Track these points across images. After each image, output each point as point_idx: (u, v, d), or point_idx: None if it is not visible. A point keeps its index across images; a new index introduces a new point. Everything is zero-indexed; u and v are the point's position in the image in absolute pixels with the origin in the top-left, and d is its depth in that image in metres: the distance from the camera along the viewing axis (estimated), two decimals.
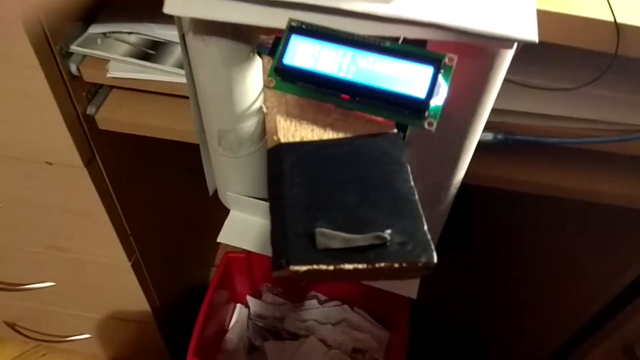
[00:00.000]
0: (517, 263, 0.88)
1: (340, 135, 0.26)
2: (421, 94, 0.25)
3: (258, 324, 0.94)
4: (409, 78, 0.26)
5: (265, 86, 0.27)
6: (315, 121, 0.26)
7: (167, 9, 0.29)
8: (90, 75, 0.51)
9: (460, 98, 0.34)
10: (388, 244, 0.21)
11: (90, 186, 0.59)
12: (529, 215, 0.85)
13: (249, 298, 0.95)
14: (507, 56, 0.31)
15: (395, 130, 0.26)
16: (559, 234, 0.76)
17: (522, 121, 0.47)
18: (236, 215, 0.52)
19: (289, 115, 0.27)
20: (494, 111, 0.36)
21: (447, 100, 0.26)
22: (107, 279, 0.76)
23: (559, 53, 0.44)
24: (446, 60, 0.26)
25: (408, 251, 0.21)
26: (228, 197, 0.51)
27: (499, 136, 0.44)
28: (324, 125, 0.26)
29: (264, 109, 0.28)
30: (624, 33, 0.38)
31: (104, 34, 0.51)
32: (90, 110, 0.54)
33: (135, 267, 0.74)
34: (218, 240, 0.50)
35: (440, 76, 0.26)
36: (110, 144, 0.59)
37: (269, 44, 0.29)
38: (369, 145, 0.25)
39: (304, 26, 0.27)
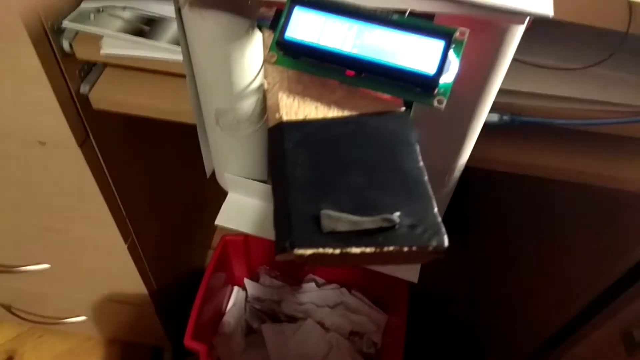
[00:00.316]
0: (515, 245, 0.87)
1: (346, 113, 0.25)
2: (431, 70, 0.24)
3: (255, 306, 0.94)
4: (418, 53, 0.24)
5: (266, 61, 0.26)
6: (319, 98, 0.25)
7: None
8: (83, 52, 0.49)
9: (467, 76, 0.32)
10: (397, 226, 0.20)
11: (84, 166, 0.58)
12: (527, 198, 0.84)
13: (246, 281, 0.94)
14: (518, 32, 0.29)
15: (404, 109, 0.25)
16: (558, 216, 0.75)
17: (528, 102, 0.45)
18: (234, 197, 0.51)
19: (291, 92, 0.25)
20: (500, 91, 0.35)
21: (457, 78, 0.25)
22: (103, 260, 0.75)
23: (568, 31, 0.43)
24: (457, 34, 0.25)
25: (418, 234, 0.20)
26: (226, 178, 0.50)
27: (505, 117, 0.43)
28: (329, 103, 0.25)
29: (265, 85, 0.26)
30: (637, 10, 0.37)
31: (97, 9, 0.50)
32: (84, 88, 0.53)
33: (132, 249, 0.73)
34: (216, 223, 0.49)
35: (451, 51, 0.24)
36: (104, 123, 0.57)
37: (270, 16, 0.28)
38: (376, 124, 0.24)
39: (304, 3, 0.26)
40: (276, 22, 0.27)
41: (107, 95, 0.53)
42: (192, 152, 0.52)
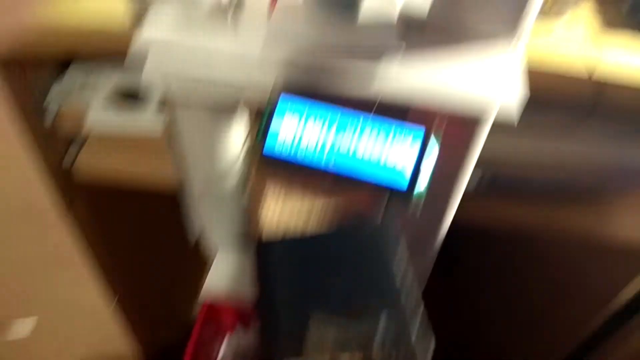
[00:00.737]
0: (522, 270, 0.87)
1: (329, 215, 0.25)
2: (406, 172, 0.25)
3: (248, 354, 0.92)
4: (393, 159, 0.25)
5: (247, 167, 0.26)
6: (301, 204, 0.26)
7: (148, 68, 0.28)
8: (67, 127, 0.49)
9: (444, 162, 0.33)
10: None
11: (68, 233, 0.58)
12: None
13: (237, 329, 0.93)
14: (489, 121, 0.31)
15: (385, 207, 0.26)
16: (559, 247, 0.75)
17: (509, 161, 0.46)
18: (220, 260, 0.51)
19: (273, 200, 0.26)
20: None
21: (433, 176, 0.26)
22: (89, 322, 0.74)
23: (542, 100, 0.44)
24: (432, 130, 0.26)
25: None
26: (214, 242, 0.49)
27: (485, 179, 0.44)
28: (310, 209, 0.26)
29: (246, 198, 0.27)
30: (602, 89, 0.38)
31: (82, 82, 0.50)
32: (67, 160, 0.53)
33: (118, 310, 0.72)
34: (202, 294, 0.49)
35: (426, 150, 0.25)
36: (88, 191, 0.57)
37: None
38: (359, 226, 0.25)
39: (290, 89, 0.27)
40: (262, 118, 0.27)
41: (90, 166, 0.53)
42: (178, 212, 0.52)
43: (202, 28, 0.29)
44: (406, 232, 0.41)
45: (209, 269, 0.50)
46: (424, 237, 0.41)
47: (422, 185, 0.25)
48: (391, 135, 0.26)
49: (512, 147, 0.45)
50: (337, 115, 0.26)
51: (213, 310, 0.85)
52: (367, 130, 0.26)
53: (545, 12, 0.40)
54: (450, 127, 0.29)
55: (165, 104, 0.33)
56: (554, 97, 0.39)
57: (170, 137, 0.37)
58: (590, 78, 0.36)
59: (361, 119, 0.25)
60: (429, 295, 0.49)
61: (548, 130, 0.44)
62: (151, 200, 0.74)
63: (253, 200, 0.26)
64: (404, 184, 0.24)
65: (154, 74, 0.28)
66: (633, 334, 0.61)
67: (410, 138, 0.25)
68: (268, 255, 0.23)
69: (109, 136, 0.50)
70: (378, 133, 0.26)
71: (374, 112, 0.25)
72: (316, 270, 0.22)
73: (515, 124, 0.26)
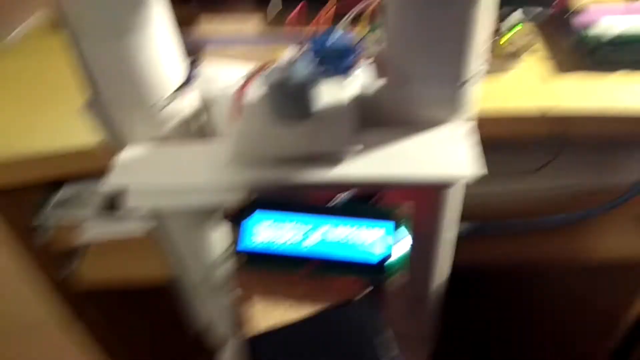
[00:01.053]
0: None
1: (315, 307, 0.26)
2: (375, 255, 0.26)
3: None
4: (367, 242, 0.26)
5: (234, 266, 0.27)
6: (287, 295, 0.27)
7: (130, 204, 0.30)
8: (63, 241, 0.51)
9: (425, 225, 0.34)
10: None
11: (75, 348, 0.58)
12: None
13: None
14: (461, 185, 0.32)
15: (368, 290, 0.27)
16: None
17: (494, 202, 0.47)
18: (223, 357, 0.51)
19: (259, 294, 0.27)
20: None
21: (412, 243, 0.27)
22: None
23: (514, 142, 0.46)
24: (400, 212, 0.27)
25: None
26: (215, 338, 0.50)
27: (471, 227, 0.45)
28: (297, 299, 0.26)
29: (236, 295, 0.28)
30: (569, 117, 0.39)
31: (76, 194, 0.52)
32: (66, 272, 0.54)
33: None
34: None
35: (398, 231, 0.26)
36: (92, 300, 0.58)
37: (235, 214, 0.30)
38: (344, 316, 0.25)
39: (262, 201, 0.28)
40: (239, 222, 0.28)
41: (90, 275, 0.54)
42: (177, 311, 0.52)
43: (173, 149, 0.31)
44: (402, 300, 0.42)
45: None
46: (421, 297, 0.41)
47: (394, 256, 0.26)
48: (362, 228, 0.27)
49: (489, 195, 0.46)
50: (308, 219, 0.27)
51: None
52: (339, 228, 0.27)
53: (493, 69, 0.42)
54: (421, 198, 0.30)
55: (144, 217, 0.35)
56: (519, 140, 0.41)
57: (154, 239, 0.38)
58: (544, 116, 0.38)
59: (331, 221, 0.27)
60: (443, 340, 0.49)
61: (522, 171, 0.46)
62: (156, 299, 0.75)
63: (242, 296, 0.27)
64: (374, 259, 0.25)
65: (132, 207, 0.30)
66: None
67: (382, 230, 0.26)
68: (257, 350, 0.24)
69: (106, 244, 0.51)
70: (350, 228, 0.27)
71: (342, 211, 0.27)
72: (311, 356, 0.23)
73: (482, 176, 0.27)
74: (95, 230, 0.50)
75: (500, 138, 0.40)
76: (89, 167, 0.41)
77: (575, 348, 0.68)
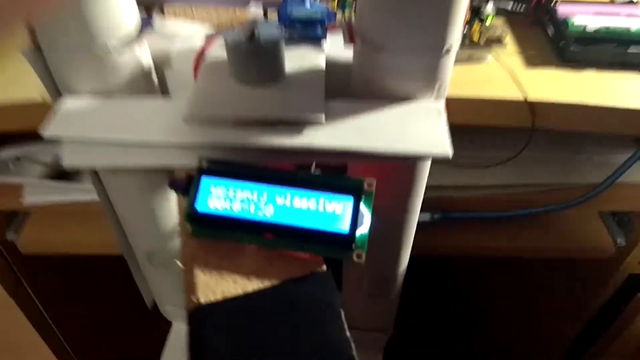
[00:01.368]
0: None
1: (266, 282, 0.24)
2: (344, 227, 0.24)
3: None
4: (329, 211, 0.25)
5: (181, 235, 0.25)
6: (237, 269, 0.25)
7: (66, 162, 0.27)
8: (4, 204, 0.47)
9: (390, 202, 0.33)
10: None
11: (20, 316, 0.54)
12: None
13: None
14: (428, 163, 0.31)
15: (324, 268, 0.25)
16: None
17: (459, 194, 0.47)
18: (178, 329, 0.49)
19: (208, 264, 0.25)
20: (428, 188, 0.36)
21: (374, 223, 0.25)
22: None
23: (483, 131, 0.45)
24: (365, 186, 0.25)
25: None
26: (168, 310, 0.48)
27: (436, 216, 0.44)
28: (247, 273, 0.25)
29: (179, 264, 0.26)
30: (538, 109, 0.39)
31: (16, 157, 0.48)
32: (10, 236, 0.51)
33: None
34: None
35: (361, 204, 0.25)
36: (39, 266, 0.55)
37: (182, 182, 0.27)
38: (298, 291, 0.24)
39: (214, 166, 0.26)
40: (188, 190, 0.26)
41: (35, 239, 0.51)
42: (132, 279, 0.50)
43: (122, 102, 0.28)
44: (364, 277, 0.41)
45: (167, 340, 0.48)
46: (385, 278, 0.40)
47: (363, 229, 0.24)
48: (326, 188, 0.25)
49: (456, 182, 0.46)
50: (264, 187, 0.25)
51: None
52: (301, 186, 0.25)
53: (463, 59, 0.41)
54: (387, 174, 0.29)
55: (92, 179, 0.32)
56: (487, 131, 0.40)
57: (104, 206, 0.35)
58: (525, 100, 0.37)
59: (290, 190, 0.25)
60: (400, 328, 0.49)
61: (487, 160, 0.45)
62: (103, 266, 0.72)
63: (188, 267, 0.25)
64: (344, 227, 0.24)
65: (72, 164, 0.27)
66: (611, 341, 0.61)
67: (347, 203, 0.25)
68: (203, 322, 0.22)
69: (51, 208, 0.48)
70: (312, 189, 0.25)
71: (302, 181, 0.25)
72: (253, 341, 0.21)
73: (450, 157, 0.26)
74: (39, 194, 0.47)
75: (468, 126, 0.39)
76: (33, 125, 0.37)
77: (532, 340, 0.69)
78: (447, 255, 0.49)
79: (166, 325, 0.49)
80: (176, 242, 0.39)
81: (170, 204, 0.36)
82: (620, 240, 0.53)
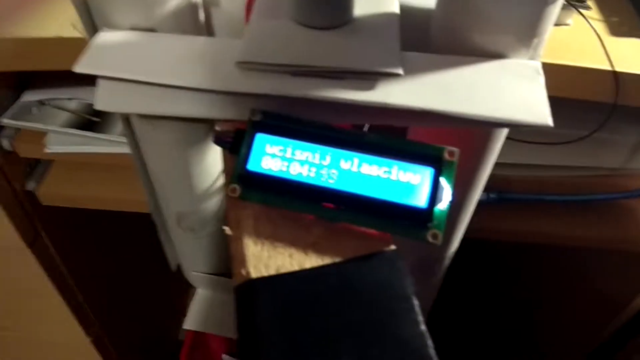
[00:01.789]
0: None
1: (326, 259, 0.21)
2: (421, 201, 0.21)
3: None
4: (404, 181, 0.21)
5: (228, 195, 0.22)
6: (293, 241, 0.21)
7: (99, 105, 0.24)
8: (26, 151, 0.44)
9: (463, 176, 0.29)
10: None
11: (36, 266, 0.52)
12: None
13: (224, 357, 0.88)
14: (505, 133, 0.27)
15: (394, 247, 0.21)
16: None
17: (517, 172, 0.43)
18: (202, 295, 0.46)
19: (259, 235, 0.21)
20: None
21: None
22: (66, 358, 0.69)
23: (556, 105, 0.41)
24: (446, 155, 0.21)
25: None
26: (193, 276, 0.45)
27: (492, 195, 0.40)
28: (305, 247, 0.21)
29: (227, 231, 0.22)
30: (623, 82, 0.34)
31: (40, 101, 0.45)
32: (30, 185, 0.48)
33: (97, 343, 0.66)
34: (184, 327, 0.44)
35: (441, 177, 0.21)
36: (57, 218, 0.52)
37: (230, 137, 0.24)
38: (364, 272, 0.20)
39: (270, 120, 0.22)
40: (236, 146, 0.23)
41: (56, 190, 0.48)
42: (155, 239, 0.47)
43: (165, 39, 0.25)
44: (408, 255, 0.38)
45: (190, 303, 0.45)
46: (434, 259, 0.37)
47: (442, 205, 0.21)
48: (401, 155, 0.21)
49: (516, 159, 0.41)
50: (328, 150, 0.21)
51: (200, 335, 0.80)
52: (372, 151, 0.21)
53: None
54: (464, 143, 0.25)
55: (127, 123, 0.28)
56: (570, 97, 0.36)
57: (135, 160, 0.32)
58: (613, 72, 0.33)
59: (358, 154, 0.21)
60: (439, 309, 0.46)
61: (553, 138, 0.40)
62: (126, 223, 0.69)
63: (236, 234, 0.21)
64: (421, 201, 0.20)
65: (106, 107, 0.23)
66: None
67: (425, 174, 0.21)
68: (254, 298, 0.18)
69: (75, 158, 0.45)
70: (385, 154, 0.21)
71: (371, 145, 0.21)
72: (313, 332, 0.18)
73: (551, 126, 0.22)
74: (63, 143, 0.44)
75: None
76: (63, 65, 0.34)
77: (572, 330, 0.65)
78: (499, 239, 0.46)
79: (187, 288, 0.47)
80: (209, 205, 0.36)
81: (208, 162, 0.33)
82: None
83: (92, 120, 0.44)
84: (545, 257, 0.61)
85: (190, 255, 0.43)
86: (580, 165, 0.42)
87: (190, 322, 0.45)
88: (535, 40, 0.23)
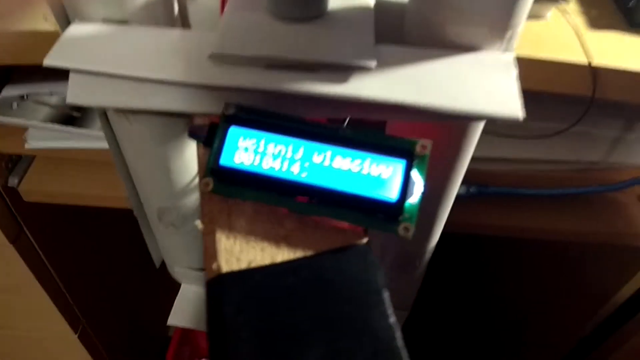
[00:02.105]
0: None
1: (298, 253, 0.21)
2: (392, 195, 0.21)
3: None
4: (376, 175, 0.21)
5: (201, 190, 0.22)
6: (265, 235, 0.21)
7: (71, 99, 0.24)
8: (6, 146, 0.44)
9: (430, 170, 0.29)
10: None
11: (20, 262, 0.52)
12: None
13: None
14: (481, 126, 0.27)
15: (366, 239, 0.22)
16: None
17: (497, 166, 0.43)
18: (187, 291, 0.46)
19: (231, 229, 0.21)
20: None
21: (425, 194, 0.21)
22: (54, 354, 0.68)
23: (532, 100, 0.41)
24: (418, 148, 0.21)
25: None
26: (177, 272, 0.45)
27: (472, 189, 0.40)
28: (277, 240, 0.21)
29: (199, 225, 0.22)
30: (600, 76, 0.35)
31: (21, 96, 0.45)
32: (12, 181, 0.47)
33: (83, 339, 0.66)
34: (168, 323, 0.44)
35: (413, 170, 0.21)
36: (41, 214, 0.52)
37: (204, 131, 0.24)
38: (335, 266, 0.20)
39: (243, 114, 0.22)
40: (210, 140, 0.23)
41: (39, 186, 0.48)
42: (141, 235, 0.47)
43: (138, 31, 0.24)
44: (388, 250, 0.38)
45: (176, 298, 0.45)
46: (415, 253, 0.37)
47: (413, 200, 0.21)
48: (373, 148, 0.21)
49: (496, 154, 0.42)
50: (300, 142, 0.21)
51: (188, 332, 0.80)
52: (344, 144, 0.21)
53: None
54: (437, 136, 0.25)
55: (104, 118, 0.28)
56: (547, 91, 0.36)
57: (113, 155, 0.32)
58: (590, 66, 0.33)
59: (331, 147, 0.21)
60: (421, 302, 0.46)
61: (532, 132, 0.41)
62: (111, 219, 0.69)
63: (208, 229, 0.21)
64: (393, 194, 0.20)
65: (77, 101, 0.23)
66: (634, 333, 0.58)
67: (397, 167, 0.21)
68: (223, 293, 0.18)
69: (56, 154, 0.44)
70: (357, 148, 0.21)
71: (344, 138, 0.21)
72: (283, 326, 0.18)
73: (520, 120, 0.22)
74: (44, 139, 0.43)
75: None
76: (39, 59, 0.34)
77: (555, 323, 0.66)
78: (479, 233, 0.46)
79: (175, 284, 0.47)
80: (190, 200, 0.36)
81: (187, 157, 0.32)
82: None
83: (74, 116, 0.44)
84: (525, 251, 0.61)
85: (173, 251, 0.43)
86: (561, 159, 0.42)
87: (175, 318, 0.45)
88: (509, 33, 0.23)
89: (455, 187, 0.32)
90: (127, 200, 0.38)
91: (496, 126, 0.42)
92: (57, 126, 0.43)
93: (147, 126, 0.29)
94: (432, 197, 0.32)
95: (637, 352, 0.57)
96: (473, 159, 0.42)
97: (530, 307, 0.70)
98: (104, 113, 0.30)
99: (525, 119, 0.44)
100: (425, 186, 0.21)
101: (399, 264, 0.39)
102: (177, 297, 0.46)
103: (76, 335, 0.65)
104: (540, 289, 0.66)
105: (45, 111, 0.44)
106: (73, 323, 0.63)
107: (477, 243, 0.61)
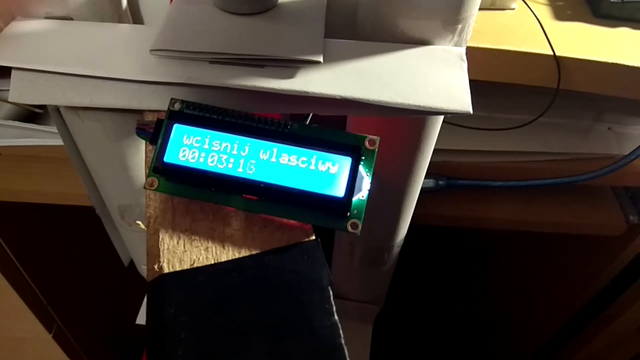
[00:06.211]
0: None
1: (244, 251, 0.20)
2: (339, 191, 0.20)
3: None
4: (323, 171, 0.21)
5: (145, 188, 0.21)
6: (210, 234, 0.21)
7: (13, 97, 0.23)
8: None
9: (392, 164, 0.29)
10: None
11: None
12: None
13: None
14: (439, 121, 0.26)
15: (313, 237, 0.21)
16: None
17: (465, 159, 0.43)
18: None
19: (175, 228, 0.21)
20: (433, 151, 0.32)
21: (373, 188, 0.21)
22: (28, 355, 0.68)
23: (497, 92, 0.41)
24: (366, 144, 0.21)
25: None
26: (144, 270, 0.44)
27: (441, 182, 0.40)
28: (222, 239, 0.21)
29: (140, 226, 0.22)
30: (565, 67, 0.34)
31: None
32: None
33: (59, 338, 0.65)
34: (137, 322, 0.44)
35: (360, 167, 0.21)
36: (8, 213, 0.51)
37: (151, 127, 0.23)
38: (279, 264, 0.20)
39: (189, 110, 0.22)
40: (156, 137, 0.22)
41: (3, 185, 0.47)
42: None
43: (81, 27, 0.24)
44: (356, 245, 0.38)
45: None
46: (383, 247, 0.37)
47: (362, 192, 0.20)
48: (320, 145, 0.21)
49: (464, 146, 0.42)
50: (247, 140, 0.21)
51: None
52: (291, 141, 0.21)
53: (489, 4, 0.37)
54: (391, 131, 0.25)
55: (56, 121, 0.28)
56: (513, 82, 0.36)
57: (70, 153, 0.31)
58: (553, 55, 0.33)
59: (277, 144, 0.21)
60: (394, 297, 0.46)
61: (500, 124, 0.41)
62: (81, 217, 0.68)
63: (151, 229, 0.21)
64: (339, 191, 0.20)
65: (19, 99, 0.23)
66: (610, 321, 0.59)
67: (344, 163, 0.21)
68: (163, 293, 0.18)
69: (19, 151, 0.43)
70: (303, 145, 0.21)
71: (291, 135, 0.21)
72: (225, 326, 0.17)
73: (470, 114, 0.22)
74: (5, 136, 0.42)
75: (481, 82, 0.34)
76: None
77: (528, 315, 0.66)
78: (450, 226, 0.46)
79: (145, 282, 0.46)
80: (139, 197, 0.35)
81: (143, 153, 0.32)
82: (634, 218, 0.49)
83: (36, 112, 0.43)
84: (501, 242, 0.61)
85: (139, 248, 0.43)
86: (529, 151, 0.42)
87: (143, 317, 0.44)
88: (460, 26, 0.23)
89: (419, 180, 0.32)
90: (89, 198, 0.38)
91: (465, 119, 0.42)
92: (18, 123, 0.42)
93: (98, 123, 0.28)
94: (395, 191, 0.32)
95: (609, 342, 0.58)
96: (442, 152, 0.42)
97: (506, 297, 0.71)
98: (56, 109, 0.29)
99: (493, 111, 0.44)
100: (371, 182, 0.21)
101: (368, 258, 0.38)
102: (146, 297, 0.45)
103: (50, 335, 0.64)
104: (517, 280, 0.67)
105: (6, 108, 0.43)
106: (47, 323, 0.63)
107: (456, 236, 0.61)
